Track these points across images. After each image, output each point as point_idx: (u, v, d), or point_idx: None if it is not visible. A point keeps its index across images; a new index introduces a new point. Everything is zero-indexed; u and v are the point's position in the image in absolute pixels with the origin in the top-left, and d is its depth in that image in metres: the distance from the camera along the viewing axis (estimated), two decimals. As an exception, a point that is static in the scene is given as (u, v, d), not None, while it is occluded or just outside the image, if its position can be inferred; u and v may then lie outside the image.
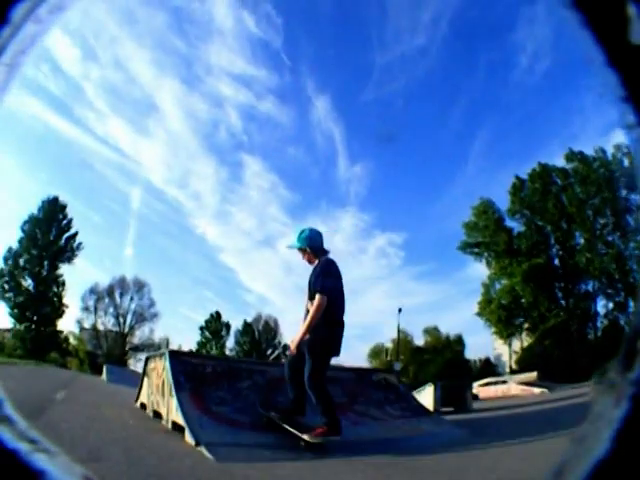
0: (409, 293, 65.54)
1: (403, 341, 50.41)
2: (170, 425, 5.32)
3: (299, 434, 4.71)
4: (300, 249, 5.29)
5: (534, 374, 29.09)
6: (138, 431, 5.43)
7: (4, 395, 0.86)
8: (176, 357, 6.02)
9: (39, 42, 0.83)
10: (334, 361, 5.47)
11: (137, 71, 71.34)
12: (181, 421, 4.91)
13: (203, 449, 4.13)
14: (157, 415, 6.22)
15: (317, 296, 4.87)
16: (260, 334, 58.29)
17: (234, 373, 6.31)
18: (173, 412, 5.29)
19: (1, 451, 0.74)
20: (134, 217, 71.76)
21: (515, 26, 70.17)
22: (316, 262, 5.21)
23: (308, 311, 4.99)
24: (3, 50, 0.78)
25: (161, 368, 6.38)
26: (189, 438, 4.47)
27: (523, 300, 45.16)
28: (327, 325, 4.94)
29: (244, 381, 6.21)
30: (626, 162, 42.65)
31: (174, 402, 5.26)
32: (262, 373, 6.70)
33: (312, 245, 5.24)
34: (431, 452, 5.01)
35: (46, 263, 49.88)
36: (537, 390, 22.47)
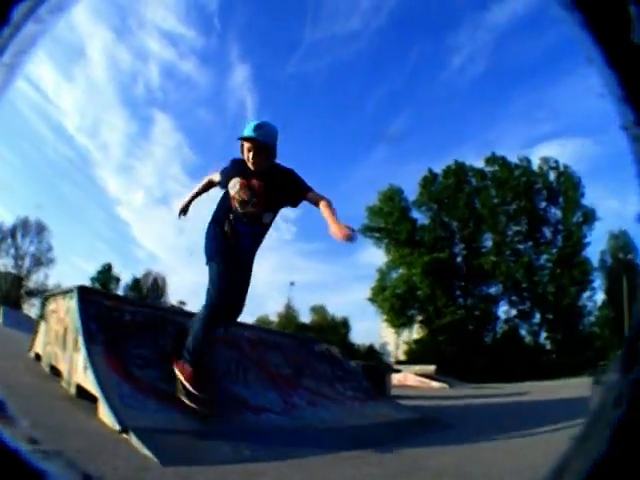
0: (297, 269, 65.93)
1: (289, 316, 50.60)
2: (74, 389, 3.67)
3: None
4: (266, 145, 3.83)
5: (432, 367, 29.04)
6: (38, 399, 3.64)
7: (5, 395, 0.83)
8: (87, 296, 4.27)
9: (39, 42, 0.82)
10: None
11: (77, 17, 63.73)
12: (92, 388, 3.32)
13: (134, 439, 2.60)
14: (54, 371, 4.48)
15: (318, 194, 3.88)
16: (148, 291, 56.48)
17: (160, 324, 4.68)
18: (79, 372, 3.65)
19: (1, 451, 0.72)
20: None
21: (458, 28, 70.58)
22: (267, 164, 3.90)
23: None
24: (3, 50, 0.76)
25: (63, 310, 4.61)
26: (109, 419, 2.89)
27: (420, 292, 44.65)
28: None
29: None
30: (552, 176, 44.21)
31: (81, 358, 3.61)
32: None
33: (276, 144, 4.00)
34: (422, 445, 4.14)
35: (-44, 199, 45.16)
36: (436, 384, 22.26)
